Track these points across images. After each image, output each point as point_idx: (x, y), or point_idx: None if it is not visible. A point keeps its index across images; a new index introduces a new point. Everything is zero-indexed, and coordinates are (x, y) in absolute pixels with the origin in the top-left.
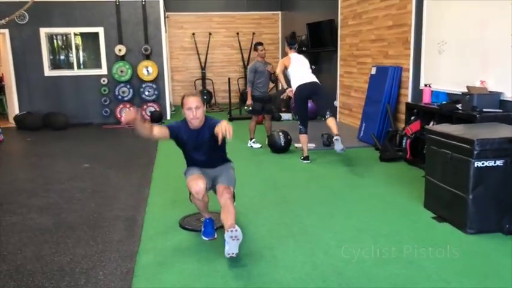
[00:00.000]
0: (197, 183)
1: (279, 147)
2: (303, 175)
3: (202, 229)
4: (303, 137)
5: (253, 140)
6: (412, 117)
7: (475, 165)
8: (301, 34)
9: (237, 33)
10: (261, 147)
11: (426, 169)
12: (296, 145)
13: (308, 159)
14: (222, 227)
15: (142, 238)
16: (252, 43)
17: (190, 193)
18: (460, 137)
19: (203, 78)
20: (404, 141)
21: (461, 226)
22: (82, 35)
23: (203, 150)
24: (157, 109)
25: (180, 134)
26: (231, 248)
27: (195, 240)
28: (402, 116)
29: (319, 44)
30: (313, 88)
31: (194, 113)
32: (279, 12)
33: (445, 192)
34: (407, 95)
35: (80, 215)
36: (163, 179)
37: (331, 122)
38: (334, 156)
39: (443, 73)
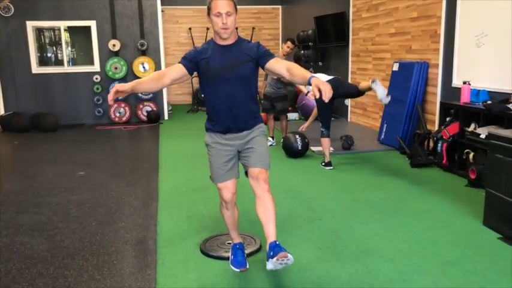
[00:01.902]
0: (229, 190)
1: (295, 152)
2: (330, 184)
3: (231, 257)
4: (325, 141)
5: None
6: (448, 119)
7: None
8: (306, 29)
9: (236, 28)
10: (271, 144)
11: (487, 181)
12: (313, 148)
13: (331, 165)
14: (253, 253)
15: (159, 269)
16: (251, 38)
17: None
18: None
19: None
20: (439, 145)
21: None
22: (72, 29)
23: (231, 77)
24: (155, 109)
25: (202, 57)
26: (276, 266)
27: (223, 271)
28: (430, 117)
29: (327, 39)
30: (336, 83)
31: (224, 20)
32: (280, 7)
33: None
34: (436, 94)
35: (80, 238)
36: (172, 190)
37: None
38: (357, 161)
39: (483, 69)
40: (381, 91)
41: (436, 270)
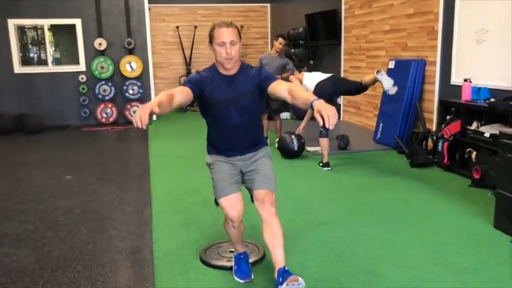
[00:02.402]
0: (235, 207)
1: (291, 152)
2: (330, 186)
3: (235, 267)
4: (324, 141)
5: None
6: (448, 117)
7: None
8: (296, 26)
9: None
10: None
11: (499, 182)
12: (308, 149)
13: (329, 166)
14: (256, 262)
15: (157, 282)
16: (240, 37)
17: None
18: None
19: (188, 74)
20: (440, 144)
21: None
22: (57, 27)
23: (236, 109)
24: None
25: (206, 85)
26: None
27: (226, 283)
28: (428, 116)
29: (319, 37)
30: (334, 80)
31: (229, 50)
32: (268, 5)
33: None
34: (434, 92)
35: (70, 247)
36: (166, 194)
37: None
38: (354, 161)
39: (484, 66)
40: (387, 82)
41: (453, 278)
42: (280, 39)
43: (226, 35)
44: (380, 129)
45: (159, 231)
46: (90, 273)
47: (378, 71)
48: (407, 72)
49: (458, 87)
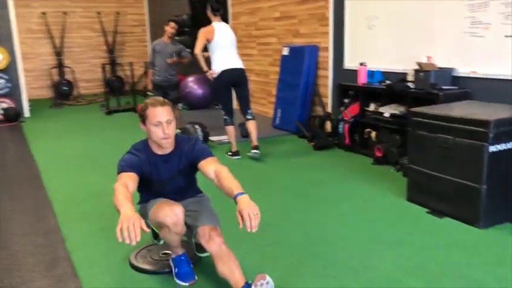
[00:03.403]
0: (173, 210)
1: None
2: (243, 175)
3: (175, 270)
4: (231, 129)
5: None
6: (346, 100)
7: (490, 151)
8: (180, 13)
9: (99, 13)
10: None
11: (410, 158)
12: (212, 138)
13: (239, 155)
14: (196, 261)
15: None
16: (116, 24)
17: (154, 231)
18: (469, 118)
19: (60, 66)
20: (341, 126)
21: (473, 221)
22: None
23: (173, 184)
24: (12, 105)
25: (145, 166)
26: None
27: (166, 287)
28: (322, 100)
29: (205, 24)
30: (239, 77)
31: (166, 130)
32: None
33: (444, 184)
34: (328, 77)
35: None
36: (69, 198)
37: (252, 126)
38: (260, 148)
39: (376, 50)
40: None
41: (389, 252)
42: (172, 24)
43: (161, 114)
44: (278, 116)
45: (73, 240)
46: None
47: (256, 152)
48: (302, 59)
49: (352, 71)
